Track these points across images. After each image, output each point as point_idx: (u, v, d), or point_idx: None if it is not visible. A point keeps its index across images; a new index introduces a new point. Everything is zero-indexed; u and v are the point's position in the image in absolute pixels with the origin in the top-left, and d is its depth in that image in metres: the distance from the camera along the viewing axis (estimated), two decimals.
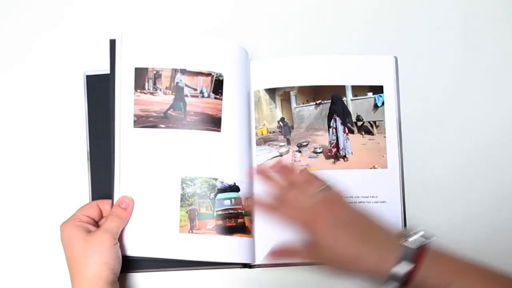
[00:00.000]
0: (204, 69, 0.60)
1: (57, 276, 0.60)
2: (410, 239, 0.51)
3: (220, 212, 0.58)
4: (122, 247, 0.57)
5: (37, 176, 0.63)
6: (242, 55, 0.62)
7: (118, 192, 0.58)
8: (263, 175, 0.61)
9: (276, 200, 0.58)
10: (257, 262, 0.60)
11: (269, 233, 0.61)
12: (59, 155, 0.63)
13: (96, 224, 0.58)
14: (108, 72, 0.60)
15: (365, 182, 0.63)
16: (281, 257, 0.59)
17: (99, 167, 0.61)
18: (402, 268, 0.49)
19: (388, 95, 0.64)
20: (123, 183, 0.58)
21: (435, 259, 0.50)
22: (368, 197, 0.63)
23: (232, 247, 0.58)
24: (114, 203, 0.57)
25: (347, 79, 0.64)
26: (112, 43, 0.59)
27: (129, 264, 0.59)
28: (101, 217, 0.58)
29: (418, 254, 0.49)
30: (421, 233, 0.52)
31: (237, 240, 0.58)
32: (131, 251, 0.57)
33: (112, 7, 0.67)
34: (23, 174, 0.63)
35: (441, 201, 0.64)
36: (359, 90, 0.64)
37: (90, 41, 0.66)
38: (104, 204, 0.58)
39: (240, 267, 0.61)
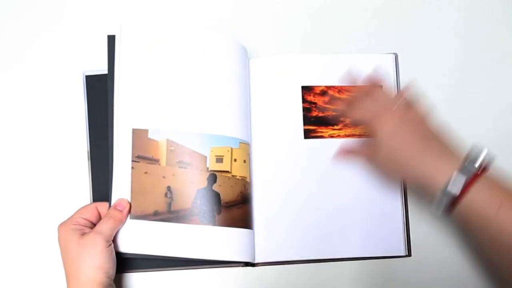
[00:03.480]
0: (204, 67, 0.60)
1: (56, 277, 0.59)
2: (471, 159, 0.49)
3: None
4: (118, 244, 0.56)
5: (37, 176, 0.63)
6: (241, 53, 0.62)
7: (116, 193, 0.57)
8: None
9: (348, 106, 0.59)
10: (258, 260, 0.60)
11: (270, 232, 0.61)
12: (59, 156, 0.63)
13: (94, 226, 0.57)
14: (107, 72, 0.59)
15: (365, 183, 0.63)
16: (346, 156, 0.61)
17: (100, 167, 0.61)
18: (457, 183, 0.47)
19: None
20: (121, 184, 0.57)
21: (488, 182, 0.48)
22: (368, 199, 0.63)
23: (233, 245, 0.58)
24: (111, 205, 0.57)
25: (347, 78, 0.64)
26: (111, 39, 0.59)
27: (128, 264, 0.59)
28: (99, 219, 0.57)
29: (476, 174, 0.48)
30: (484, 153, 0.50)
31: (238, 235, 0.58)
32: (130, 248, 0.56)
33: (111, 7, 0.67)
34: (23, 175, 0.63)
35: None
36: None
37: (89, 41, 0.66)
38: (103, 207, 0.57)
39: (242, 266, 0.61)
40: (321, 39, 0.67)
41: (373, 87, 0.60)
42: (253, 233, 0.60)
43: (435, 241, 0.63)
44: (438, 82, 0.67)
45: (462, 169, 0.48)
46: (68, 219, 0.56)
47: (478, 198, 0.47)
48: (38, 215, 0.62)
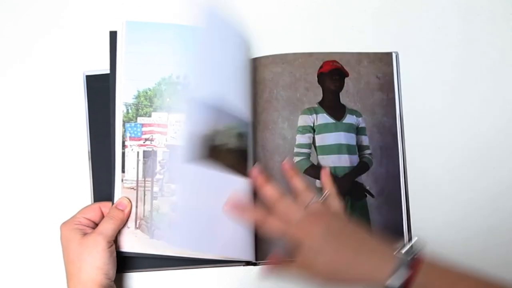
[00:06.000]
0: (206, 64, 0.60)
1: (57, 277, 0.59)
2: (404, 250, 0.49)
3: None
4: (119, 244, 0.56)
5: (38, 176, 0.63)
6: (243, 49, 0.62)
7: (119, 193, 0.57)
8: (261, 176, 0.58)
9: (268, 208, 0.56)
10: (259, 259, 0.60)
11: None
12: (60, 156, 0.63)
13: (96, 227, 0.57)
14: (107, 72, 0.60)
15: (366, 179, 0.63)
16: (275, 271, 0.56)
17: (101, 167, 0.61)
18: (398, 278, 0.47)
19: None
20: (124, 183, 0.57)
21: (430, 269, 0.48)
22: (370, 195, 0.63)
23: (235, 244, 0.58)
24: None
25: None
26: (113, 35, 0.59)
27: (128, 264, 0.59)
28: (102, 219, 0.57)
29: (414, 264, 0.47)
30: (414, 243, 0.49)
31: (239, 236, 0.58)
32: (131, 248, 0.56)
33: (112, 7, 0.67)
34: (23, 174, 0.63)
35: (443, 199, 0.64)
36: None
37: (90, 41, 0.66)
38: (106, 207, 0.57)
39: (243, 265, 0.61)
40: (322, 37, 0.67)
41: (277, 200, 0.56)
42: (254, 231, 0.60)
43: (436, 241, 0.63)
44: (438, 81, 0.67)
45: (400, 261, 0.47)
46: (71, 218, 0.56)
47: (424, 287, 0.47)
48: (39, 215, 0.62)
